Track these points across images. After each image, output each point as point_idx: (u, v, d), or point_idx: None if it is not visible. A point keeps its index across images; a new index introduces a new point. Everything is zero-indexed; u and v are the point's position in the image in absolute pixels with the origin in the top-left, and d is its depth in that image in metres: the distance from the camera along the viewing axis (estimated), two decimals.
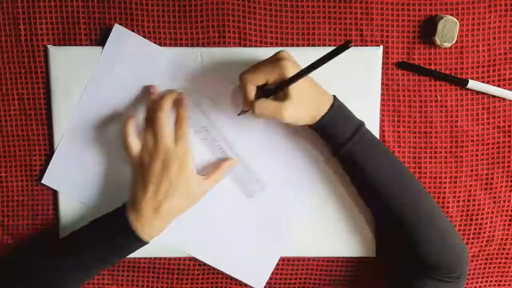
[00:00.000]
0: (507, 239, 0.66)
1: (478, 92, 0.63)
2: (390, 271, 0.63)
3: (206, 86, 0.62)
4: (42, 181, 0.63)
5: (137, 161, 0.59)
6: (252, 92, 0.55)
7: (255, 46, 0.62)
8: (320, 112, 0.56)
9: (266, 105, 0.55)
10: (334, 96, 0.58)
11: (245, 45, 0.62)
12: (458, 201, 0.65)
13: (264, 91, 0.56)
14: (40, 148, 0.63)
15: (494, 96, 0.63)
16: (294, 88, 0.54)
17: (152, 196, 0.57)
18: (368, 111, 0.62)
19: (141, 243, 0.58)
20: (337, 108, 0.57)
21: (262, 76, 0.55)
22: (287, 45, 0.62)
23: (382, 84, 0.63)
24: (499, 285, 0.67)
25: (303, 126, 0.58)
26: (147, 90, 0.62)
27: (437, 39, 0.61)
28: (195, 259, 0.65)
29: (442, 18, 0.61)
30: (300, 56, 0.61)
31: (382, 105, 0.63)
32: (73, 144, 0.63)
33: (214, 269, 0.66)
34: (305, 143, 0.63)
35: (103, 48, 0.62)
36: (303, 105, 0.55)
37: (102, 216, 0.60)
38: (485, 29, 0.62)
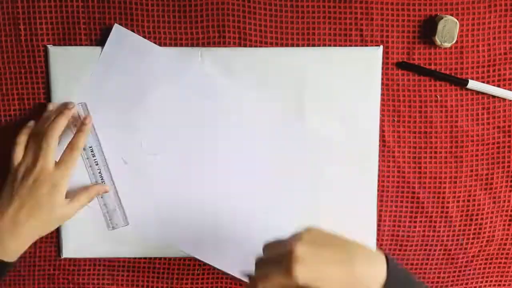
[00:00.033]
0: (507, 239, 0.66)
1: (478, 92, 0.63)
2: None
3: (206, 86, 0.62)
4: None
5: (13, 172, 0.58)
6: None
7: (255, 46, 0.62)
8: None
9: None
10: (387, 259, 0.46)
11: (245, 45, 0.62)
12: (458, 201, 0.65)
13: None
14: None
15: (494, 96, 0.63)
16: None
17: (14, 212, 0.56)
18: (368, 111, 0.63)
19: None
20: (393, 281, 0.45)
21: (273, 284, 0.45)
22: (287, 45, 0.62)
23: (382, 84, 0.63)
24: (499, 285, 0.67)
25: None
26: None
27: (437, 39, 0.61)
28: (195, 259, 0.65)
29: (442, 18, 0.61)
30: (300, 56, 0.62)
31: (382, 105, 0.63)
32: None
33: (214, 269, 0.65)
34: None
35: (102, 48, 0.62)
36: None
37: None
38: (485, 29, 0.62)
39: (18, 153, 0.59)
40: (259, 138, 0.63)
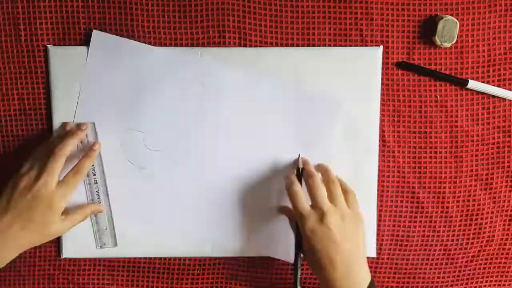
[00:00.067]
0: (507, 239, 0.66)
1: (478, 92, 0.63)
2: None
3: (206, 86, 0.62)
4: None
5: (15, 182, 0.58)
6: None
7: (255, 46, 0.62)
8: None
9: None
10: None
11: (245, 45, 0.62)
12: (458, 201, 0.65)
13: None
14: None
15: (494, 96, 0.63)
16: None
17: (7, 223, 0.56)
18: (368, 111, 0.63)
19: None
20: None
21: None
22: (287, 45, 0.62)
23: (382, 84, 0.63)
24: (499, 285, 0.67)
25: None
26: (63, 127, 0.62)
27: (437, 39, 0.61)
28: (195, 259, 0.65)
29: (442, 18, 0.61)
30: (300, 56, 0.62)
31: (382, 105, 0.63)
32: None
33: (214, 269, 0.66)
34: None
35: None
36: None
37: None
38: (485, 29, 0.62)
39: (27, 165, 0.59)
40: (258, 137, 0.63)
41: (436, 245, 0.66)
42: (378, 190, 0.64)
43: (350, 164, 0.63)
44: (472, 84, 0.62)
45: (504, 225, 0.66)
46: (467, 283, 0.66)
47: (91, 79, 0.62)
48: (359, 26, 0.62)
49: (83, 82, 0.62)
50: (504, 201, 0.65)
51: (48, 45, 0.62)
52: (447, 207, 0.65)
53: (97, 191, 0.63)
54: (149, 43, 0.62)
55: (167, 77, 0.62)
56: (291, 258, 0.62)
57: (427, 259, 0.66)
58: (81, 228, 0.63)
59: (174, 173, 0.63)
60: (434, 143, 0.64)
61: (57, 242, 0.65)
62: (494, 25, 0.62)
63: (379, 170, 0.64)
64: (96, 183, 0.63)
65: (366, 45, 0.62)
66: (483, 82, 0.63)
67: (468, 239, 0.66)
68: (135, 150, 0.63)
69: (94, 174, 0.63)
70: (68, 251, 0.64)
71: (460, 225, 0.65)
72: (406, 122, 0.64)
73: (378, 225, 0.65)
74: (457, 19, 0.61)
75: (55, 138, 0.61)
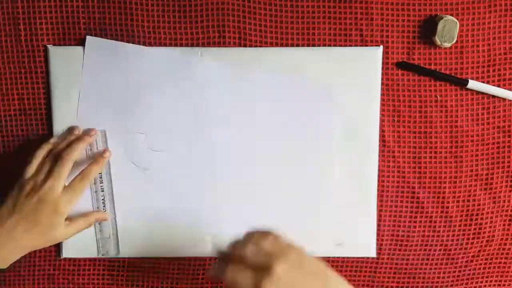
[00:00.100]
0: (507, 239, 0.66)
1: (478, 92, 0.63)
2: None
3: (206, 86, 0.62)
4: None
5: (21, 185, 0.58)
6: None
7: (255, 46, 0.62)
8: None
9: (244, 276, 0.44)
10: None
11: (245, 45, 0.62)
12: (458, 201, 0.65)
13: None
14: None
15: (494, 96, 0.63)
16: None
17: (12, 225, 0.56)
18: (368, 111, 0.63)
19: None
20: None
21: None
22: (287, 45, 0.62)
23: (382, 84, 0.63)
24: (499, 285, 0.67)
25: None
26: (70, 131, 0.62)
27: (437, 39, 0.61)
28: (195, 259, 0.65)
29: (442, 18, 0.61)
30: (300, 56, 0.62)
31: (382, 105, 0.63)
32: None
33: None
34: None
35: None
36: None
37: None
38: (485, 29, 0.62)
39: (32, 167, 0.59)
40: (258, 137, 0.63)
41: (436, 245, 0.65)
42: (378, 190, 0.64)
43: (350, 164, 0.63)
44: (472, 84, 0.62)
45: (504, 225, 0.65)
46: (467, 283, 0.66)
47: (90, 84, 0.62)
48: (359, 26, 0.62)
49: (82, 88, 0.62)
50: (504, 201, 0.65)
51: (48, 45, 0.62)
52: (447, 207, 0.65)
53: (103, 199, 0.63)
54: (149, 43, 0.62)
55: (167, 77, 0.62)
56: None
57: (427, 259, 0.66)
58: None
59: (175, 173, 0.63)
60: (434, 143, 0.64)
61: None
62: (494, 25, 0.62)
63: (379, 170, 0.64)
64: (102, 190, 0.63)
65: (366, 45, 0.62)
66: (483, 82, 0.63)
67: (468, 239, 0.65)
68: (138, 152, 0.63)
69: (101, 182, 0.63)
70: (68, 251, 0.64)
71: (460, 225, 0.65)
72: (406, 122, 0.64)
73: (378, 225, 0.65)
74: (457, 19, 0.61)
75: (59, 141, 0.61)
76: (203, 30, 0.62)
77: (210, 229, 0.64)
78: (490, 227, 0.65)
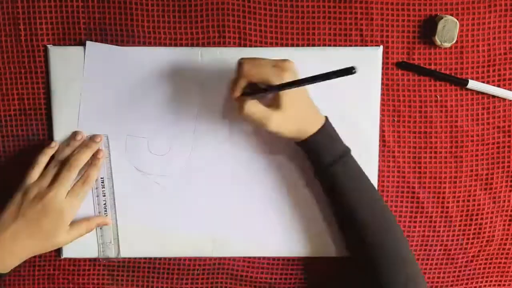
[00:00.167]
0: (507, 239, 0.66)
1: (478, 92, 0.63)
2: None
3: (206, 86, 0.62)
4: None
5: (24, 190, 0.59)
6: (242, 85, 0.54)
7: (255, 46, 0.62)
8: (309, 130, 0.56)
9: (256, 109, 0.54)
10: (326, 117, 0.58)
11: (245, 45, 0.62)
12: (458, 201, 0.65)
13: (254, 90, 0.54)
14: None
15: (494, 96, 0.63)
16: (287, 99, 0.53)
17: (16, 230, 0.57)
18: (368, 111, 0.63)
19: None
20: (328, 130, 0.57)
21: (263, 73, 0.53)
22: (287, 45, 0.62)
23: (382, 84, 0.63)
24: (499, 285, 0.67)
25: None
26: (72, 136, 0.62)
27: (437, 39, 0.61)
28: (195, 259, 0.65)
29: (442, 18, 0.61)
30: (300, 56, 0.61)
31: (382, 105, 0.63)
32: None
33: (214, 269, 0.66)
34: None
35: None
36: (292, 118, 0.55)
37: None
38: (485, 29, 0.62)
39: (35, 172, 0.60)
40: (259, 138, 0.63)
41: (436, 245, 0.66)
42: (378, 190, 0.64)
43: None
44: (472, 84, 0.62)
45: (504, 225, 0.65)
46: (467, 283, 0.66)
47: (91, 89, 0.62)
48: (359, 26, 0.62)
49: (83, 93, 0.62)
50: (504, 201, 0.65)
51: (48, 45, 0.62)
52: (447, 207, 0.65)
53: (104, 203, 0.63)
54: (149, 43, 0.62)
55: (167, 78, 0.62)
56: (292, 256, 0.62)
57: (427, 259, 0.66)
58: None
59: (175, 175, 0.63)
60: (434, 143, 0.64)
61: None
62: (494, 25, 0.62)
63: (379, 170, 0.64)
64: (104, 195, 0.63)
65: (366, 45, 0.62)
66: (483, 82, 0.63)
67: (468, 239, 0.65)
68: (139, 156, 0.63)
69: (103, 187, 0.63)
70: (68, 251, 0.64)
71: (460, 225, 0.65)
72: (406, 122, 0.64)
73: None
74: (457, 19, 0.61)
75: (63, 146, 0.62)
76: (203, 30, 0.62)
77: (210, 230, 0.64)
78: (490, 227, 0.65)
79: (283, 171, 0.64)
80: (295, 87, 0.51)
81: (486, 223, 0.65)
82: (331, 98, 0.62)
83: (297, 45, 0.62)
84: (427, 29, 0.62)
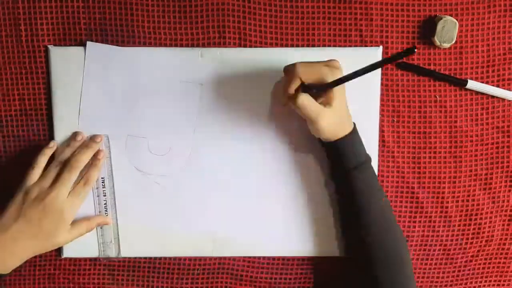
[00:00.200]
0: (506, 239, 0.66)
1: (477, 92, 0.63)
2: None
3: (206, 86, 0.62)
4: None
5: (25, 191, 0.59)
6: (296, 85, 0.55)
7: (255, 46, 0.62)
8: (342, 132, 0.57)
9: (310, 102, 0.54)
10: (354, 124, 0.59)
11: (245, 46, 0.62)
12: (457, 201, 0.65)
13: (306, 88, 0.55)
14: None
15: (493, 96, 0.63)
16: (338, 98, 0.55)
17: (17, 231, 0.57)
18: (367, 111, 0.63)
19: None
20: (357, 135, 0.58)
21: (316, 73, 0.54)
22: (286, 46, 0.62)
23: (382, 84, 0.63)
24: (498, 284, 0.67)
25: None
26: (72, 137, 0.62)
27: (436, 40, 0.61)
28: (195, 259, 0.65)
29: (441, 18, 0.61)
30: (300, 57, 0.61)
31: (382, 105, 0.63)
32: None
33: (214, 268, 0.66)
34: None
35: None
36: (338, 118, 0.56)
37: None
38: (484, 30, 0.62)
39: (35, 173, 0.60)
40: (259, 137, 0.63)
41: (435, 245, 0.66)
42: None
43: None
44: (471, 84, 0.62)
45: (503, 225, 0.66)
46: (466, 283, 0.66)
47: (91, 89, 0.62)
48: (359, 27, 0.62)
49: (83, 93, 0.62)
50: (503, 201, 0.65)
51: (48, 46, 0.62)
52: (447, 207, 0.65)
53: (105, 203, 0.63)
54: (149, 44, 0.62)
55: (167, 78, 0.62)
56: (292, 256, 0.62)
57: (427, 259, 0.66)
58: None
59: (176, 175, 0.63)
60: (433, 143, 0.64)
61: None
62: (493, 26, 0.62)
63: (378, 170, 0.64)
64: (104, 195, 0.63)
65: (366, 46, 0.62)
66: (482, 82, 0.63)
67: (467, 239, 0.66)
68: (139, 155, 0.63)
69: (104, 187, 0.63)
70: (69, 250, 0.64)
71: (459, 225, 0.65)
72: (405, 122, 0.64)
73: None
74: (457, 20, 0.61)
75: (63, 147, 0.62)
76: (203, 30, 0.62)
77: (210, 230, 0.64)
78: (489, 227, 0.65)
79: (283, 171, 0.64)
80: (346, 81, 0.52)
81: (485, 223, 0.65)
82: None
83: (297, 46, 0.63)
84: (427, 30, 0.62)
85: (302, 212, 0.64)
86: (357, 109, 0.60)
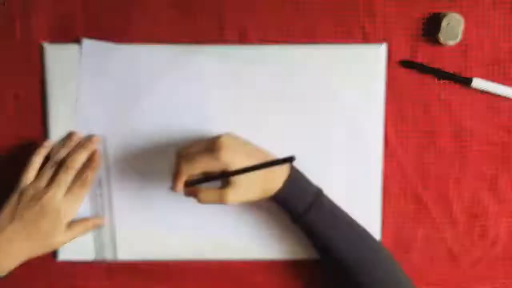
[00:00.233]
0: None
1: (482, 91, 0.62)
2: None
3: (205, 84, 0.62)
4: None
5: (20, 191, 0.58)
6: (182, 180, 0.54)
7: (256, 43, 0.62)
8: (274, 186, 0.55)
9: (210, 196, 0.54)
10: (291, 166, 0.57)
11: (245, 42, 0.61)
12: (463, 202, 0.64)
13: (200, 180, 0.55)
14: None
15: (498, 95, 0.62)
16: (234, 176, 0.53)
17: (12, 232, 0.56)
18: (371, 110, 0.62)
19: None
20: (294, 180, 0.56)
21: (199, 166, 0.53)
22: (288, 42, 0.61)
23: (385, 82, 0.62)
24: (504, 287, 0.66)
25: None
26: (68, 137, 0.62)
27: (441, 37, 0.60)
28: (194, 261, 0.64)
29: (446, 15, 0.60)
30: (302, 54, 0.61)
31: (386, 103, 0.62)
32: None
33: (213, 271, 0.65)
34: None
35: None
36: (249, 188, 0.54)
37: None
38: (489, 27, 0.62)
39: (30, 173, 0.59)
40: (259, 136, 0.62)
41: (440, 247, 0.65)
42: (381, 191, 0.63)
43: (353, 164, 0.62)
44: (477, 83, 0.62)
45: (509, 226, 0.65)
46: (471, 286, 0.65)
47: (87, 87, 0.61)
48: (362, 24, 0.61)
49: (79, 91, 0.61)
50: (509, 202, 0.64)
51: (43, 43, 0.61)
52: (451, 208, 0.64)
53: (101, 205, 0.63)
54: (147, 40, 0.61)
55: (166, 76, 0.61)
56: (292, 258, 0.61)
57: (431, 261, 0.65)
58: None
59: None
60: (438, 143, 0.63)
61: None
62: (499, 23, 0.61)
63: (382, 170, 0.63)
64: (101, 196, 0.62)
65: (369, 43, 0.62)
66: (488, 80, 0.62)
67: (472, 241, 0.65)
68: (137, 155, 0.62)
69: (101, 188, 0.62)
70: (65, 253, 0.64)
71: (464, 227, 0.64)
72: (409, 121, 0.63)
73: (382, 226, 0.64)
74: (462, 17, 0.60)
75: (58, 146, 0.61)
76: (202, 26, 0.61)
77: (210, 232, 0.64)
78: (495, 229, 0.65)
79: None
80: (239, 174, 0.52)
81: (491, 225, 0.64)
82: (333, 97, 0.61)
83: (298, 42, 0.62)
84: (431, 27, 0.61)
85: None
86: (361, 108, 0.59)
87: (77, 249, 0.63)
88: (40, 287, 0.65)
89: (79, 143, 0.61)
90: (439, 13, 0.61)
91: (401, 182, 0.64)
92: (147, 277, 0.65)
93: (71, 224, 0.60)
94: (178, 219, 0.63)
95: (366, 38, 0.62)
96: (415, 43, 0.62)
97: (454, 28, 0.60)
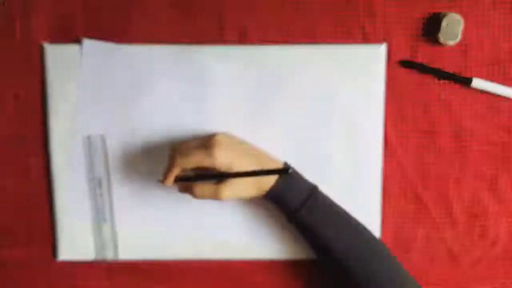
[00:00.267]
0: None
1: (482, 91, 0.62)
2: None
3: (205, 84, 0.61)
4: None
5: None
6: (174, 174, 0.55)
7: (256, 43, 0.61)
8: (267, 183, 0.55)
9: (205, 191, 0.55)
10: (285, 163, 0.57)
11: (245, 42, 0.61)
12: (463, 202, 0.64)
13: (191, 177, 0.56)
14: (36, 149, 0.62)
15: (498, 95, 0.62)
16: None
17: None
18: (371, 110, 0.62)
19: None
20: (286, 178, 0.56)
21: (192, 161, 0.54)
22: (288, 42, 0.61)
23: (385, 82, 0.62)
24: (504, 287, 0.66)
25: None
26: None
27: (441, 37, 0.60)
28: (194, 261, 0.64)
29: (446, 15, 0.60)
30: (302, 54, 0.61)
31: (385, 103, 0.62)
32: None
33: (214, 269, 0.65)
34: None
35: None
36: (243, 185, 0.55)
37: None
38: (489, 27, 0.61)
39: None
40: (259, 136, 0.62)
41: (440, 247, 0.65)
42: (381, 191, 0.63)
43: (353, 164, 0.62)
44: (476, 83, 0.62)
45: (509, 226, 0.65)
46: (471, 286, 0.65)
47: (88, 88, 0.61)
48: (362, 24, 0.61)
49: (79, 92, 0.61)
50: (509, 202, 0.64)
51: (44, 43, 0.61)
52: (451, 208, 0.64)
53: (101, 205, 0.63)
54: (148, 40, 0.61)
55: (166, 76, 0.61)
56: (292, 258, 0.61)
57: (431, 261, 0.65)
58: (78, 229, 0.63)
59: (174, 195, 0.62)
60: (437, 143, 0.63)
61: (52, 244, 0.64)
62: (498, 23, 0.61)
63: (382, 170, 0.63)
64: (101, 196, 0.62)
65: (369, 43, 0.61)
66: (488, 80, 0.62)
67: (472, 241, 0.65)
68: (138, 155, 0.62)
69: (101, 188, 0.62)
70: (64, 253, 0.64)
71: (464, 227, 0.64)
72: (409, 121, 0.63)
73: (382, 226, 0.64)
74: (461, 17, 0.60)
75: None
76: (202, 27, 0.61)
77: (209, 232, 0.64)
78: (495, 229, 0.64)
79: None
80: (230, 178, 0.54)
81: (491, 225, 0.64)
82: (333, 97, 0.61)
83: (298, 42, 0.61)
84: (431, 27, 0.61)
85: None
86: (361, 108, 0.59)
87: (77, 249, 0.63)
88: (40, 287, 0.65)
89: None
90: (439, 13, 0.61)
91: (401, 182, 0.64)
92: (147, 277, 0.65)
93: None
94: (178, 219, 0.63)
95: (366, 38, 0.61)
96: (415, 43, 0.61)
97: (454, 28, 0.60)
